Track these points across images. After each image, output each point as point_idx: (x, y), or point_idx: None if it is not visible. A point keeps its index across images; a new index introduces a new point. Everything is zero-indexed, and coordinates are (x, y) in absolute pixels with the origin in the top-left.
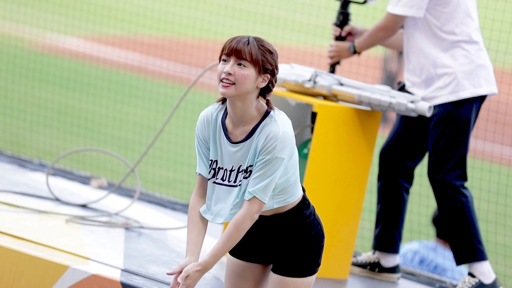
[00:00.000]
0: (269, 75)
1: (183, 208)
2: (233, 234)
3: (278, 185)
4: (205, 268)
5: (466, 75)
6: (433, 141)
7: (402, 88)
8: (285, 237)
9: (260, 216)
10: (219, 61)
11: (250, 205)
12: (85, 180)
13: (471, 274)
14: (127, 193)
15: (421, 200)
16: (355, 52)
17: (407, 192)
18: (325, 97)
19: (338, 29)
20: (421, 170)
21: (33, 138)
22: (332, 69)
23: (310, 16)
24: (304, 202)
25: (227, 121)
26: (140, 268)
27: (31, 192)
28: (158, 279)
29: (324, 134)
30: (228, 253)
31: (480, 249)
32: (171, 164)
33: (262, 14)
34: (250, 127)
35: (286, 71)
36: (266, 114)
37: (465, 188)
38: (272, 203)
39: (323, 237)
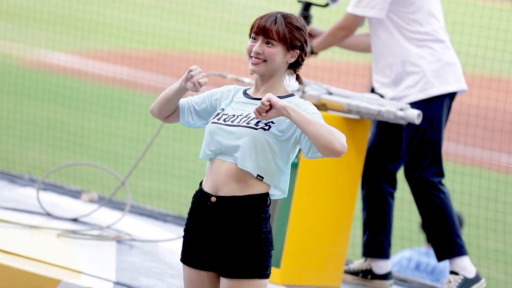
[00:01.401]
0: (298, 50)
1: (175, 220)
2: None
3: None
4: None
5: (434, 73)
6: (408, 140)
7: (372, 91)
8: (239, 226)
9: (218, 197)
10: (249, 38)
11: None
12: (75, 194)
13: (453, 272)
14: (118, 206)
15: (412, 206)
16: (312, 52)
17: (392, 197)
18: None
19: None
20: None
21: (23, 154)
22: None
23: None
24: (267, 201)
25: (249, 91)
26: (132, 281)
27: (22, 207)
28: None
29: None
30: (183, 264)
31: (460, 244)
32: (161, 176)
33: (249, 25)
34: (277, 95)
35: None
36: (292, 95)
37: (442, 184)
38: (255, 168)
39: (271, 244)
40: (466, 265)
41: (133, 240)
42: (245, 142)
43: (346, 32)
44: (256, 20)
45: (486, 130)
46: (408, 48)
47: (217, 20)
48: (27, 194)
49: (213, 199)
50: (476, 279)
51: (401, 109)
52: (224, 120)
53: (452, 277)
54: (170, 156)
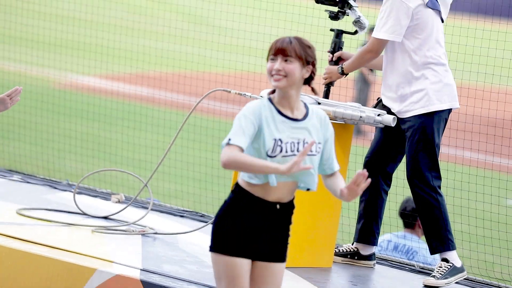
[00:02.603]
0: (311, 66)
1: (191, 215)
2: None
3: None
4: None
5: (435, 92)
6: (410, 148)
7: (379, 103)
8: (285, 224)
9: (281, 205)
10: (267, 61)
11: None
12: (106, 196)
13: (445, 260)
14: (142, 205)
15: (391, 197)
16: (342, 73)
17: (386, 194)
18: None
19: (330, 55)
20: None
21: (61, 163)
22: (327, 88)
23: None
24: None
25: (278, 107)
26: (156, 268)
27: (62, 208)
28: (172, 276)
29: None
30: (227, 255)
31: (451, 240)
32: (178, 178)
33: (249, 47)
34: (303, 110)
35: None
36: (305, 103)
37: (440, 188)
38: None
39: None
40: (454, 257)
41: (156, 233)
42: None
43: (373, 55)
44: (273, 43)
45: (451, 131)
46: (414, 70)
47: (221, 44)
48: (65, 197)
49: (278, 206)
50: (461, 269)
51: (378, 115)
52: (287, 151)
53: (443, 263)
54: (185, 161)
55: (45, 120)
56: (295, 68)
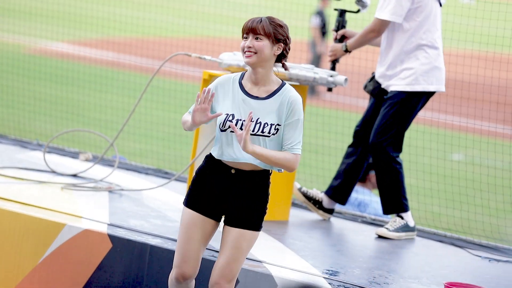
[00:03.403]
0: (282, 44)
1: (155, 172)
2: (284, 166)
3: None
4: None
5: (423, 73)
6: (382, 116)
7: (372, 78)
8: (249, 193)
9: (237, 170)
10: (242, 39)
11: (296, 158)
12: (74, 155)
13: (400, 216)
14: (109, 163)
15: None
16: (346, 50)
17: (367, 161)
18: None
19: (335, 33)
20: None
21: (31, 124)
22: (333, 65)
23: (253, 14)
24: (270, 172)
25: (244, 82)
26: (122, 222)
27: (32, 167)
28: (138, 230)
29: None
30: (185, 206)
31: (406, 203)
32: (142, 138)
33: (208, 13)
34: (271, 88)
35: (230, 58)
36: (283, 84)
37: (399, 157)
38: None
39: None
40: (408, 217)
41: (122, 190)
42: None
43: (375, 34)
44: (245, 24)
45: None
46: (408, 50)
47: (187, 10)
48: (35, 156)
49: (233, 171)
50: (413, 229)
51: (331, 76)
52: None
53: (398, 218)
54: (149, 122)
55: (16, 83)
56: (265, 46)
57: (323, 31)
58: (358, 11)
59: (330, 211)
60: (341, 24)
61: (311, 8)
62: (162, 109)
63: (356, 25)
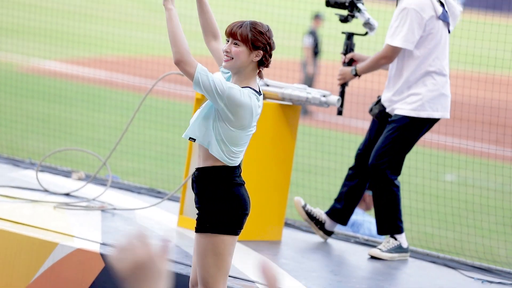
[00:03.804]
0: (261, 51)
1: (147, 192)
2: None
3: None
4: None
5: (430, 99)
6: (384, 139)
7: (378, 102)
8: (199, 195)
9: (197, 170)
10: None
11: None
12: (67, 174)
13: (393, 237)
14: (101, 182)
15: (337, 173)
16: (356, 74)
17: (367, 184)
18: None
19: (343, 57)
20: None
21: (24, 142)
22: (342, 89)
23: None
24: (232, 174)
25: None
26: (115, 241)
27: (24, 185)
28: None
29: (256, 125)
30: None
31: (400, 225)
32: (135, 157)
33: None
34: None
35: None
36: (260, 94)
37: (397, 180)
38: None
39: (236, 209)
40: (402, 238)
41: (115, 209)
42: None
43: (387, 61)
44: (228, 26)
45: None
46: (416, 76)
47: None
48: (28, 175)
49: (196, 172)
50: (406, 250)
51: (324, 96)
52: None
53: (391, 239)
54: (142, 141)
55: (8, 102)
56: (241, 52)
57: (316, 51)
58: (366, 33)
59: (330, 233)
60: (349, 47)
61: (304, 28)
62: (155, 128)
63: (362, 47)
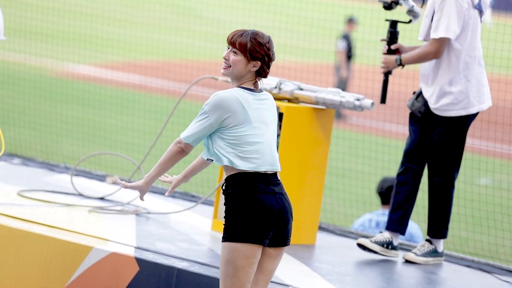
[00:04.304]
0: (259, 62)
1: (181, 196)
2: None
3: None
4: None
5: (474, 94)
6: (440, 147)
7: (419, 96)
8: (226, 201)
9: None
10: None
11: (173, 146)
12: (101, 178)
13: (429, 241)
14: None
15: (365, 177)
16: (400, 64)
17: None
18: (289, 100)
19: (385, 44)
20: (366, 152)
21: (58, 147)
22: (385, 77)
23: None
24: (253, 180)
25: None
26: (149, 245)
27: (59, 189)
28: (164, 253)
29: (290, 130)
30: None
31: (448, 229)
32: None
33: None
34: None
35: None
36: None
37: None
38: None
39: (253, 217)
40: (441, 243)
41: (149, 213)
42: None
43: (434, 55)
44: (230, 33)
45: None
46: (456, 70)
47: (209, 33)
48: (63, 179)
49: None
50: (441, 254)
51: (357, 99)
52: None
53: (426, 243)
54: None
55: (43, 106)
56: (239, 61)
57: (349, 54)
58: (410, 21)
59: (397, 247)
60: (394, 36)
61: (337, 32)
62: None
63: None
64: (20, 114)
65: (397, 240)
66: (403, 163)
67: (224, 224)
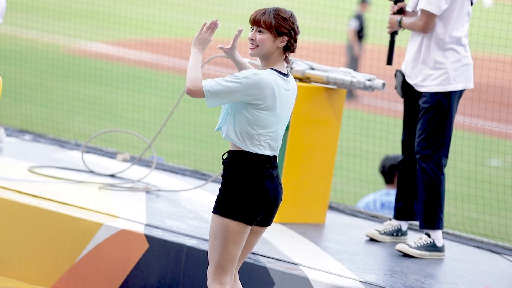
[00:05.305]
0: (286, 36)
1: (192, 173)
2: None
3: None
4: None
5: (454, 71)
6: (424, 124)
7: (396, 73)
8: (228, 175)
9: (227, 152)
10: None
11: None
12: (112, 155)
13: (427, 234)
14: (146, 164)
15: (369, 155)
16: (400, 25)
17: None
18: (300, 80)
19: (393, 4)
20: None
21: (69, 124)
22: (392, 38)
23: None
24: (259, 163)
25: None
26: (159, 223)
27: (70, 166)
28: (174, 231)
29: (301, 109)
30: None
31: (442, 220)
32: (180, 139)
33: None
34: None
35: None
36: (287, 75)
37: (444, 167)
38: (231, 133)
39: (252, 199)
40: (439, 236)
41: (159, 190)
42: None
43: (420, 28)
44: (252, 14)
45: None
46: (438, 49)
47: (222, 13)
48: (74, 156)
49: (224, 155)
50: (441, 249)
51: (369, 80)
52: None
53: (424, 236)
54: (187, 123)
55: (55, 83)
56: (266, 39)
57: (361, 34)
58: None
59: (406, 233)
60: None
61: (350, 12)
62: (199, 111)
63: None
64: (32, 90)
65: (406, 225)
66: (402, 152)
67: (217, 196)
